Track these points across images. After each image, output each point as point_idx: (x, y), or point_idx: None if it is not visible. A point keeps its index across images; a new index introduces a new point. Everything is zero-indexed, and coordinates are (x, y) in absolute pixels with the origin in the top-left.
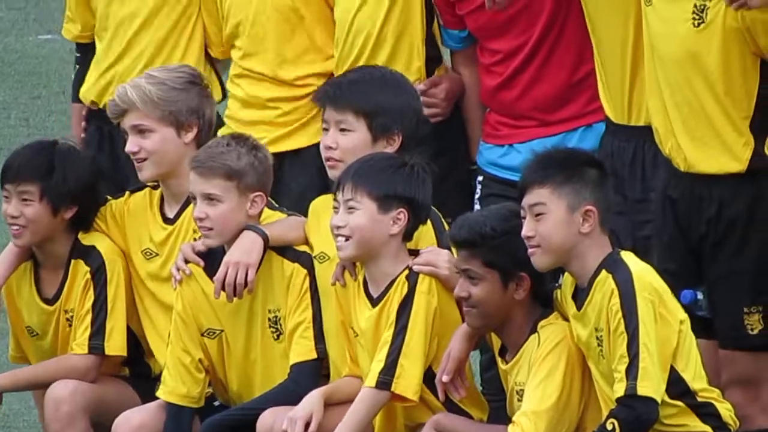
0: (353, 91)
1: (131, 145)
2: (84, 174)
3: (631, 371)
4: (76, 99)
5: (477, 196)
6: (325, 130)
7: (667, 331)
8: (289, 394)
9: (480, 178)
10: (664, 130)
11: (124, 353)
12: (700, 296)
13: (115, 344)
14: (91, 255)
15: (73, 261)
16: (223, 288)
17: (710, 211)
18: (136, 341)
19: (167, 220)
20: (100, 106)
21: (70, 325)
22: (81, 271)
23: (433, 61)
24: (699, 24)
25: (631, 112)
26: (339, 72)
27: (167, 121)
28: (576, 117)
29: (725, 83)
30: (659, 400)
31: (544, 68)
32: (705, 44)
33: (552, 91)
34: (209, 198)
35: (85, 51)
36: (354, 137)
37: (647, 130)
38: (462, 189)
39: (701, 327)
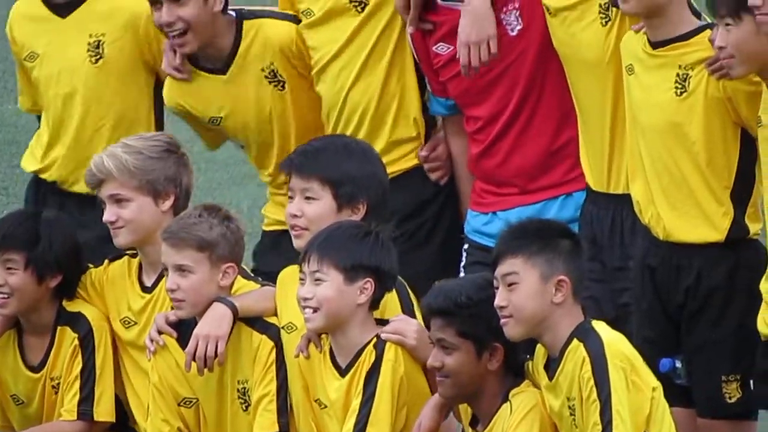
0: (319, 159)
1: (108, 214)
2: (69, 242)
3: None
4: None
5: (462, 263)
6: (291, 198)
7: (639, 399)
8: None
9: (466, 246)
10: (644, 198)
11: (113, 419)
12: (678, 364)
13: (104, 410)
14: (78, 322)
15: (59, 328)
16: (194, 359)
17: (689, 280)
18: (121, 407)
19: (145, 289)
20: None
21: (57, 392)
22: (68, 337)
23: (428, 125)
24: (681, 93)
25: (610, 179)
26: None
27: (144, 190)
28: (556, 185)
29: (706, 153)
30: None
31: (524, 135)
32: (687, 114)
33: (532, 158)
34: (181, 269)
35: None
36: (319, 206)
37: (626, 197)
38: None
39: (680, 395)
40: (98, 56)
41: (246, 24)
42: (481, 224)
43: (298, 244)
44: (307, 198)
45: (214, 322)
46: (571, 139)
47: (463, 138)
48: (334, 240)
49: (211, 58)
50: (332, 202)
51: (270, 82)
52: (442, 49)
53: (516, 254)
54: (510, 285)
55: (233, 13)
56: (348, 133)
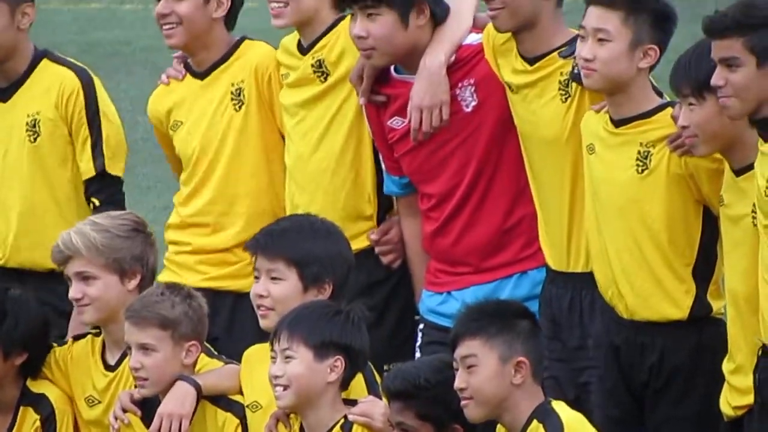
0: (284, 240)
1: (74, 291)
2: (35, 321)
3: None
4: None
5: (418, 343)
6: (257, 278)
7: None
8: None
9: (421, 326)
10: (605, 277)
11: None
12: None
13: None
14: (41, 403)
15: (22, 408)
16: None
17: (652, 358)
18: None
19: (108, 367)
20: None
21: None
22: (30, 418)
23: (382, 207)
24: (642, 171)
25: (569, 258)
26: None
27: (111, 269)
28: (510, 263)
29: (668, 231)
30: None
31: (478, 212)
32: (648, 191)
33: (486, 236)
34: (144, 348)
35: None
36: (285, 286)
37: (585, 276)
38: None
39: None
40: (36, 135)
41: (245, 43)
42: (436, 304)
43: (264, 324)
44: (273, 278)
45: (178, 401)
46: (525, 217)
47: (416, 219)
48: (305, 318)
49: (199, 62)
50: (298, 283)
51: (231, 99)
52: (396, 123)
53: (474, 336)
54: (469, 367)
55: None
56: (304, 199)
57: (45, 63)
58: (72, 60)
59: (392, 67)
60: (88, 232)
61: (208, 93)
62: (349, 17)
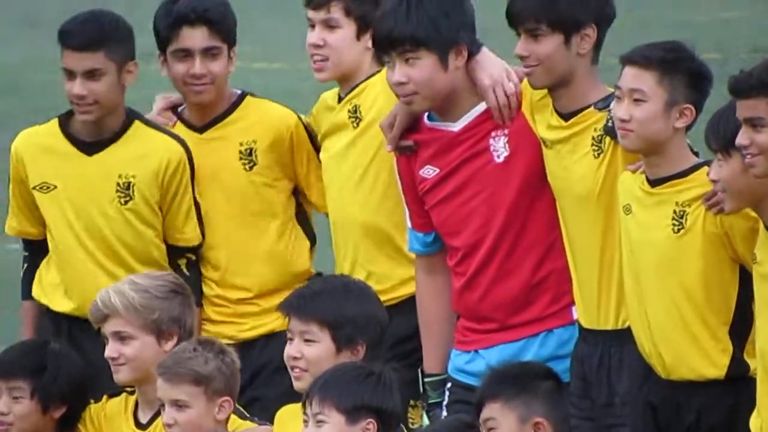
0: (317, 302)
1: (111, 350)
2: (75, 375)
3: None
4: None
5: (444, 402)
6: (290, 339)
7: None
8: None
9: (449, 385)
10: (643, 337)
11: None
12: None
13: None
14: None
15: None
16: None
17: (689, 418)
18: None
19: (140, 425)
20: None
21: None
22: None
23: None
24: (678, 230)
25: (599, 315)
26: None
27: (148, 329)
28: (537, 320)
29: (704, 290)
30: None
31: (505, 266)
32: (684, 251)
33: (513, 291)
34: (177, 404)
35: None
36: (318, 348)
37: (614, 333)
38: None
39: None
40: (128, 198)
41: (248, 99)
42: (464, 363)
43: (298, 385)
44: (307, 340)
45: None
46: (553, 272)
47: (434, 278)
48: (336, 381)
49: (198, 115)
50: (331, 345)
51: (240, 158)
52: (428, 172)
53: (495, 399)
54: (490, 430)
55: (238, 91)
56: (349, 250)
57: (138, 125)
58: (165, 126)
59: (425, 115)
60: (127, 291)
61: (202, 148)
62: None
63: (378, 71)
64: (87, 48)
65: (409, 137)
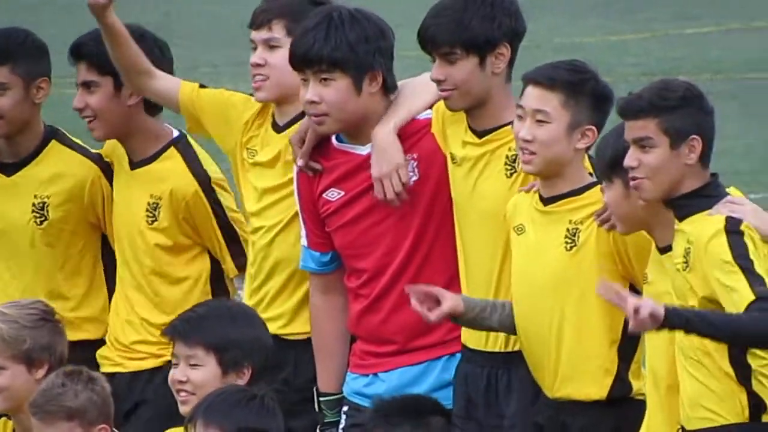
0: (202, 326)
1: None
2: None
3: None
4: None
5: (342, 426)
6: (175, 364)
7: None
8: None
9: (345, 408)
10: (532, 354)
11: None
12: None
13: None
14: None
15: None
16: None
17: None
18: None
19: None
20: None
21: None
22: None
23: None
24: (571, 248)
25: (488, 337)
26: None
27: (19, 359)
28: (438, 344)
29: (594, 308)
30: None
31: None
32: (576, 268)
33: (417, 315)
34: None
35: None
36: (204, 372)
37: (502, 356)
38: None
39: None
40: (43, 218)
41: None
42: (362, 386)
43: (184, 409)
44: (192, 365)
45: None
46: None
47: (328, 297)
48: (219, 405)
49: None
50: (217, 369)
51: None
52: (332, 195)
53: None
54: None
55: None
56: (271, 283)
57: (54, 144)
58: (82, 144)
59: (334, 137)
60: None
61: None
62: None
63: None
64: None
65: (315, 158)
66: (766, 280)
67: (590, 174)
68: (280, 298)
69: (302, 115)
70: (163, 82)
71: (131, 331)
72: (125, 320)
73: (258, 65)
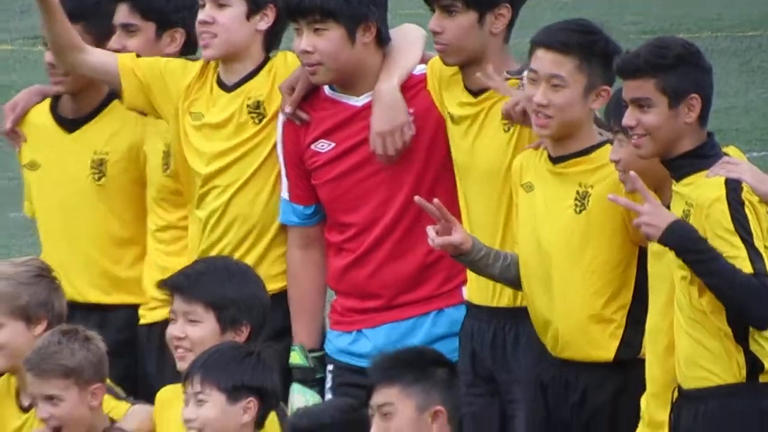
0: (201, 283)
1: None
2: None
3: None
4: None
5: (328, 385)
6: (173, 321)
7: None
8: None
9: (330, 367)
10: (538, 313)
11: None
12: None
13: None
14: None
15: None
16: None
17: (575, 397)
18: None
19: (23, 409)
20: None
21: None
22: None
23: None
24: (580, 211)
25: (494, 292)
26: None
27: (16, 315)
28: (426, 299)
29: (603, 271)
30: None
31: (401, 245)
32: (585, 231)
33: (407, 270)
34: (50, 399)
35: None
36: (203, 329)
37: (508, 311)
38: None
39: None
40: (101, 174)
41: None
42: (347, 344)
43: (181, 366)
44: (191, 321)
45: None
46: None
47: (306, 251)
48: (216, 361)
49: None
50: (216, 325)
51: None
52: (322, 146)
53: (391, 384)
54: (386, 415)
55: None
56: (226, 240)
57: (117, 103)
58: None
59: (326, 87)
60: None
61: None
62: (278, 56)
63: (267, 59)
64: None
65: (303, 108)
66: (764, 257)
67: (599, 134)
68: (236, 254)
69: (253, 74)
70: (98, 56)
71: None
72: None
73: (206, 23)
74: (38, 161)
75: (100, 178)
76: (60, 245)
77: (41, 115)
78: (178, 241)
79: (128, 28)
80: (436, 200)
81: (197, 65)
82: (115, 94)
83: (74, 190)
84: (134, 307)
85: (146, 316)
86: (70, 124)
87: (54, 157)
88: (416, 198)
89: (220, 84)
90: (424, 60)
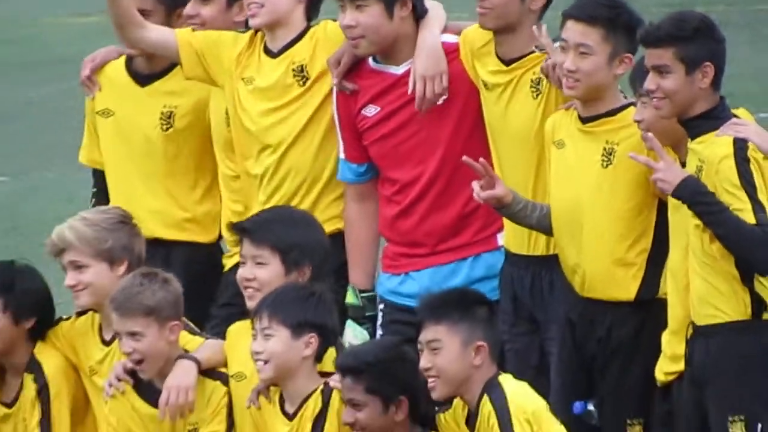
0: (269, 229)
1: (69, 279)
2: (41, 289)
3: None
4: None
5: (379, 322)
6: (243, 263)
7: None
8: None
9: (381, 306)
10: (568, 257)
11: None
12: (590, 407)
13: None
14: (39, 373)
15: (25, 375)
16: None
17: (600, 333)
18: None
19: (105, 342)
20: None
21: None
22: (30, 386)
23: None
24: (606, 165)
25: (530, 242)
26: None
27: (101, 258)
28: (465, 246)
29: (627, 220)
30: None
31: (441, 198)
32: (611, 184)
33: (447, 219)
34: (133, 335)
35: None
36: (269, 270)
37: (543, 259)
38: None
39: None
40: (169, 125)
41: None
42: (396, 285)
43: (250, 304)
44: (259, 263)
45: (182, 374)
46: (483, 204)
47: (362, 205)
48: (282, 300)
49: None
50: (281, 267)
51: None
52: (369, 111)
53: (439, 322)
54: (434, 350)
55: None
56: (281, 191)
57: None
58: None
59: (370, 58)
60: (79, 226)
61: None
62: (320, 24)
63: (309, 27)
64: None
65: (351, 78)
66: (766, 209)
67: (624, 97)
68: (291, 203)
69: (295, 40)
70: (157, 32)
71: None
72: None
73: None
74: (112, 109)
75: (167, 129)
76: (128, 185)
77: (117, 69)
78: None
79: (142, 13)
80: (481, 159)
81: (246, 36)
82: None
83: (144, 137)
84: (194, 245)
85: (228, 263)
86: (143, 78)
87: (127, 107)
88: (464, 158)
89: (267, 51)
90: (455, 32)
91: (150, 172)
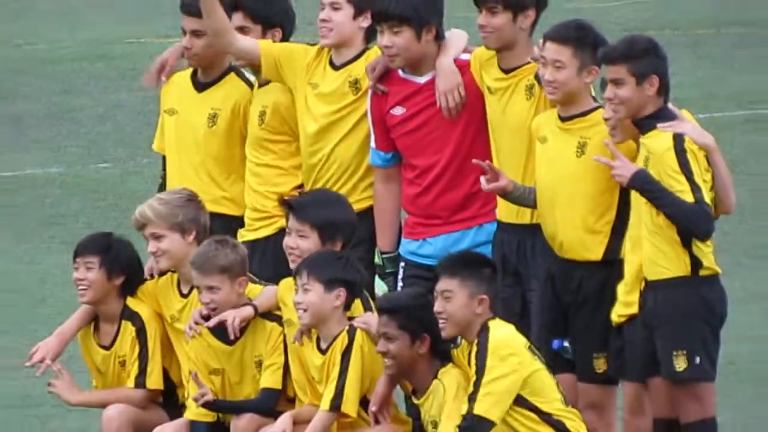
0: (310, 208)
1: (151, 247)
2: (131, 253)
3: (473, 397)
4: None
5: (400, 276)
6: (288, 233)
7: (518, 376)
8: (257, 406)
9: (402, 264)
10: (550, 226)
11: (161, 387)
12: (566, 344)
13: (154, 381)
14: (136, 318)
15: (123, 321)
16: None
17: (573, 285)
18: (168, 379)
19: (183, 295)
20: None
21: (122, 366)
22: (128, 329)
23: None
24: (580, 155)
25: (517, 213)
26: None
27: (174, 228)
28: (471, 218)
29: (595, 197)
30: (494, 419)
31: (453, 181)
32: (584, 169)
33: (457, 197)
34: (210, 288)
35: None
36: (309, 242)
37: (527, 226)
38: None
39: (567, 366)
40: (213, 123)
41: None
42: (415, 248)
43: (293, 266)
44: (301, 236)
45: (243, 311)
46: None
47: (388, 185)
48: (317, 261)
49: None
50: (318, 240)
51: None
52: (398, 111)
53: (453, 276)
54: (446, 298)
55: None
56: (327, 176)
57: (232, 75)
58: (249, 75)
59: (400, 70)
60: (155, 205)
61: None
62: (374, 48)
63: (367, 48)
64: (194, 14)
65: (384, 83)
66: (703, 189)
67: (594, 100)
68: (335, 186)
69: (355, 58)
70: (244, 40)
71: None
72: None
73: (324, 21)
74: (176, 109)
75: (212, 126)
76: (182, 169)
77: (183, 77)
78: (270, 176)
79: (242, 30)
80: (486, 161)
81: (315, 48)
82: (230, 69)
83: (194, 132)
84: (227, 217)
85: (246, 236)
86: (200, 86)
87: (186, 107)
88: (474, 160)
89: (331, 63)
90: (468, 51)
91: (198, 161)
